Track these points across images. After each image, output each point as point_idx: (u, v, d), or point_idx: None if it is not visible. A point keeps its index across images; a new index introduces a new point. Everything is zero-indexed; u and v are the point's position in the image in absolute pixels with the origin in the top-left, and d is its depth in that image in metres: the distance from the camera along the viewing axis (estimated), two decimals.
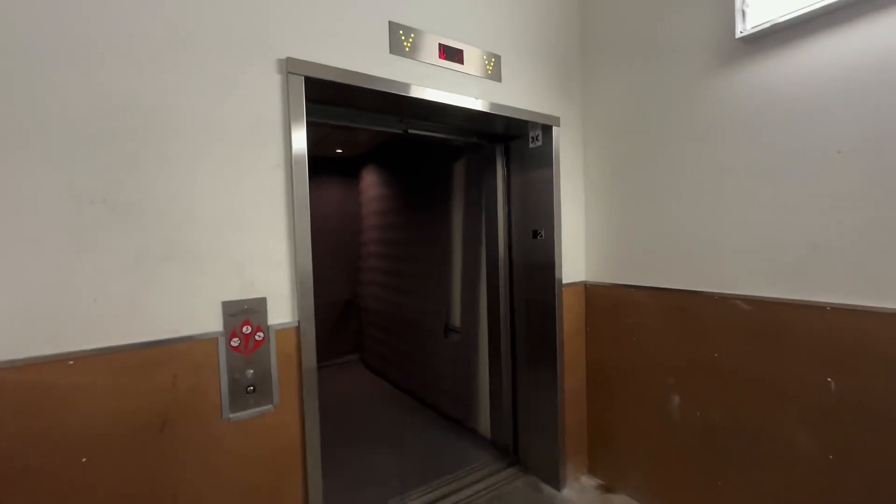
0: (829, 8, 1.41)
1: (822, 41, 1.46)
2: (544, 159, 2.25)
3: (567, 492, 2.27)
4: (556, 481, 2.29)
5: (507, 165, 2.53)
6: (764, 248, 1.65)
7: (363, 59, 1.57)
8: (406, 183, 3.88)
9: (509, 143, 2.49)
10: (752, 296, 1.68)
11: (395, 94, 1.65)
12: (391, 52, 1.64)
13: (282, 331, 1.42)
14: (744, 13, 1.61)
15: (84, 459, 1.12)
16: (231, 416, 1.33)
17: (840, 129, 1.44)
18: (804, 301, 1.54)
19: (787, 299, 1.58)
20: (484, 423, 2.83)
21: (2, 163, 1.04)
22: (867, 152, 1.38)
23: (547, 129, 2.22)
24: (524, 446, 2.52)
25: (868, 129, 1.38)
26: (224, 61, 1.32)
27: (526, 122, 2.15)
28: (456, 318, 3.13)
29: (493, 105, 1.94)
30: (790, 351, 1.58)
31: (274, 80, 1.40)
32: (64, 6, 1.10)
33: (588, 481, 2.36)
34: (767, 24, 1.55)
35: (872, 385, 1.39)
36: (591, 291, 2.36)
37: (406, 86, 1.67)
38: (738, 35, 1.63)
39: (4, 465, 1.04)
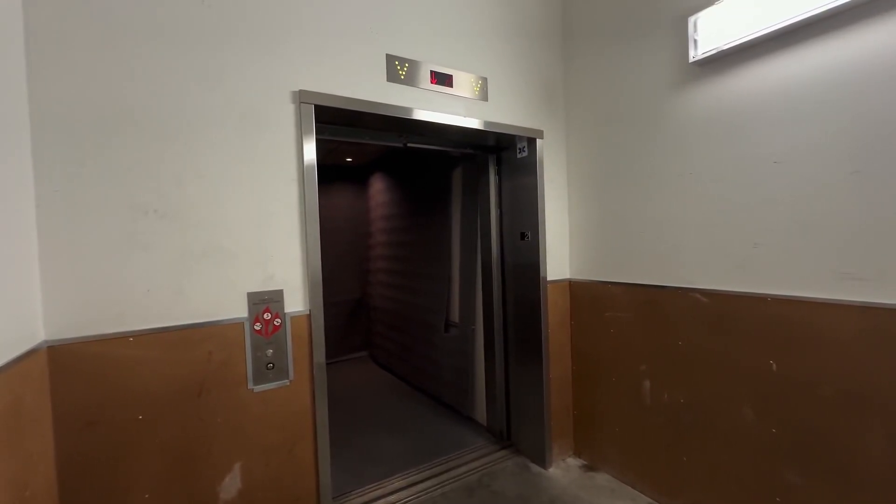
0: (764, 38, 1.63)
1: (760, 66, 1.68)
2: (530, 168, 2.49)
3: (553, 470, 2.49)
4: (543, 461, 2.51)
5: (499, 173, 2.78)
6: (717, 246, 1.86)
7: (364, 87, 1.85)
8: (410, 189, 4.16)
9: (500, 153, 2.74)
10: (709, 289, 1.89)
11: (392, 116, 1.92)
12: (388, 80, 1.92)
13: (296, 317, 1.70)
14: (695, 41, 1.84)
15: (140, 417, 1.41)
16: (255, 387, 1.61)
17: (775, 142, 1.65)
18: (750, 293, 1.75)
19: (736, 291, 1.79)
20: (480, 411, 3.07)
21: (82, 184, 1.34)
22: (796, 163, 1.59)
23: (532, 141, 2.46)
24: (516, 431, 2.75)
25: (796, 142, 1.59)
26: (248, 94, 1.60)
27: (512, 136, 2.40)
28: (455, 314, 3.38)
29: (480, 122, 2.19)
30: (739, 337, 1.79)
31: (288, 109, 1.68)
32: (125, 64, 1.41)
33: (573, 461, 2.58)
34: (714, 51, 1.77)
35: (806, 365, 1.59)
36: (574, 288, 2.58)
37: (401, 108, 1.94)
38: (691, 60, 1.86)
39: (81, 419, 1.33)
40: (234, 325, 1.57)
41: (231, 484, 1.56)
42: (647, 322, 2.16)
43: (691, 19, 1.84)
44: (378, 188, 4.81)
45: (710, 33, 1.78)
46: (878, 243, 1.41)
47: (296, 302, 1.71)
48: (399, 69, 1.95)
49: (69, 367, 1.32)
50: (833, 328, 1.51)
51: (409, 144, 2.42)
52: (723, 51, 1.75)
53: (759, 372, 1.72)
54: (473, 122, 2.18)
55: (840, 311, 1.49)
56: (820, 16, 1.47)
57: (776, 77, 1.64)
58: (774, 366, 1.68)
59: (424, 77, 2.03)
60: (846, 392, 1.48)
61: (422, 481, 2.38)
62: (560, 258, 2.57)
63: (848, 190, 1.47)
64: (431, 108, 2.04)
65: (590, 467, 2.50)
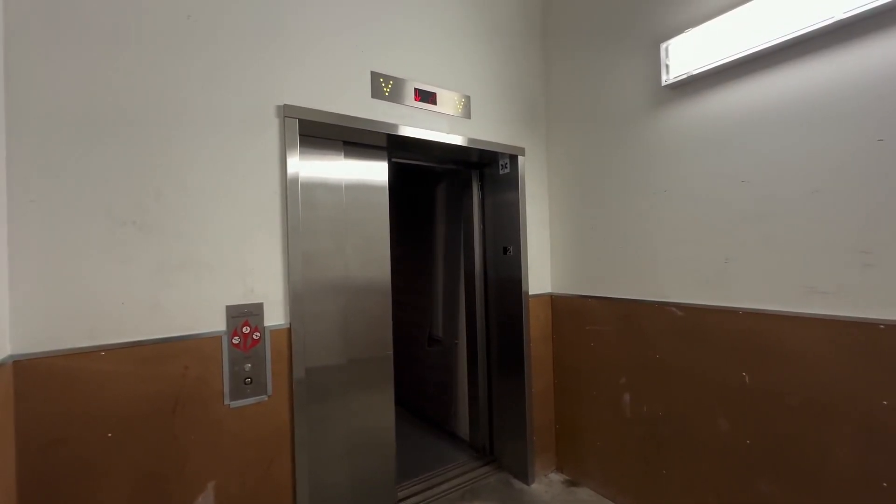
0: (730, 65, 1.72)
1: (727, 91, 1.78)
2: (512, 184, 2.55)
3: (535, 486, 2.48)
4: (525, 477, 2.50)
5: (482, 189, 2.83)
6: (690, 261, 1.93)
7: (348, 103, 1.88)
8: (394, 204, 4.16)
9: (483, 169, 2.80)
10: (683, 303, 1.95)
11: (376, 131, 1.95)
12: (372, 96, 1.95)
13: (276, 331, 1.68)
14: (667, 66, 1.93)
15: (110, 434, 1.36)
16: (231, 403, 1.57)
17: (743, 162, 1.74)
18: (722, 307, 1.81)
19: (710, 305, 1.85)
20: (463, 426, 3.04)
21: (58, 194, 1.32)
22: (763, 182, 1.68)
23: (514, 158, 2.52)
24: (499, 446, 2.73)
25: (761, 162, 1.68)
26: (232, 107, 1.61)
27: (495, 152, 2.46)
28: (439, 329, 3.38)
29: (463, 139, 2.24)
30: (713, 350, 1.84)
31: (273, 123, 1.69)
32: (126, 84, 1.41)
33: (556, 477, 2.57)
34: (685, 75, 1.86)
35: (776, 377, 1.64)
36: (556, 302, 2.62)
37: (385, 124, 1.97)
38: (663, 83, 1.95)
39: (46, 436, 1.28)
40: (211, 339, 1.54)
41: None
42: (626, 335, 2.20)
43: (663, 45, 1.94)
44: None
45: (680, 59, 1.88)
46: (836, 258, 1.48)
47: (276, 316, 1.69)
48: (384, 86, 1.99)
49: (36, 382, 1.27)
50: (799, 340, 1.57)
51: (393, 160, 2.45)
52: (693, 75, 1.84)
53: (733, 384, 1.77)
54: (456, 139, 2.23)
55: (805, 323, 1.55)
56: (782, 45, 1.57)
57: (742, 101, 1.73)
58: (747, 378, 1.73)
59: (408, 94, 2.07)
60: (812, 401, 1.54)
61: (403, 499, 2.33)
62: (541, 273, 2.61)
63: (809, 208, 1.55)
64: (415, 125, 2.08)
65: (572, 482, 2.50)
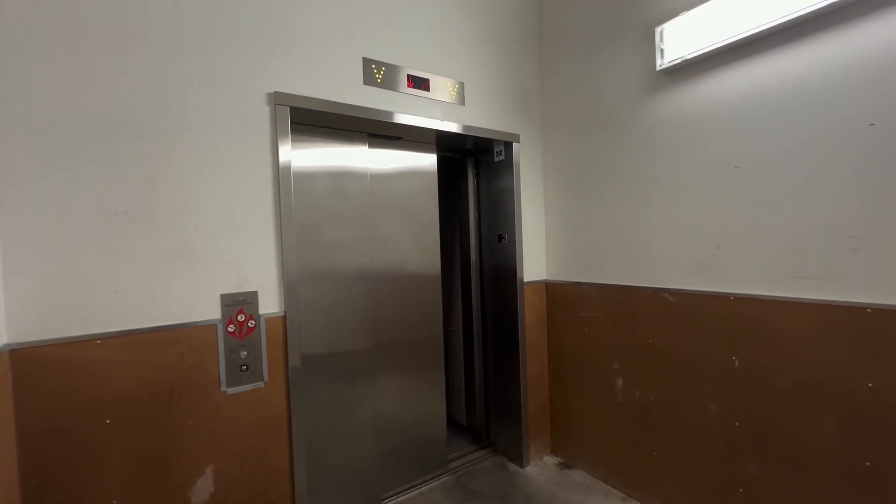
0: (723, 49, 1.71)
1: (720, 76, 1.76)
2: (506, 171, 2.54)
3: (530, 469, 2.53)
4: (520, 460, 2.55)
5: (477, 176, 2.83)
6: (683, 247, 1.93)
7: (340, 90, 1.86)
8: None
9: (478, 156, 2.79)
10: (676, 289, 1.96)
11: (368, 118, 1.94)
12: (364, 83, 1.94)
13: (270, 319, 1.69)
14: (662, 51, 1.91)
15: (108, 421, 1.39)
16: (228, 389, 1.59)
17: (736, 148, 1.73)
18: (714, 292, 1.82)
19: (702, 291, 1.87)
20: (460, 412, 3.09)
21: (50, 185, 1.32)
22: (755, 168, 1.68)
23: (508, 145, 2.51)
24: (495, 431, 2.78)
25: (753, 149, 1.67)
26: (222, 96, 1.60)
27: (490, 139, 2.45)
28: None
29: (457, 126, 2.23)
30: (704, 335, 1.86)
31: (264, 111, 1.68)
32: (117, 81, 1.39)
33: (550, 460, 2.62)
34: (679, 60, 1.85)
35: (765, 361, 1.67)
36: (551, 289, 2.64)
37: (378, 111, 1.96)
38: (658, 68, 1.93)
39: (45, 423, 1.30)
40: (206, 327, 1.56)
41: (203, 488, 1.54)
42: (619, 321, 2.22)
43: (658, 29, 1.91)
44: None
45: (675, 43, 1.86)
46: (825, 244, 1.49)
47: (271, 303, 1.70)
48: (376, 72, 1.97)
49: (33, 370, 1.29)
50: (788, 324, 1.59)
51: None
52: (687, 60, 1.82)
53: (723, 368, 1.79)
54: (450, 126, 2.21)
55: (794, 308, 1.57)
56: (776, 28, 1.55)
57: (735, 86, 1.72)
58: (737, 362, 1.75)
59: (401, 81, 2.05)
60: (800, 384, 1.56)
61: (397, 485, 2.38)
62: (536, 260, 2.62)
63: (799, 194, 1.55)
64: (408, 112, 2.06)
65: (566, 465, 2.55)
